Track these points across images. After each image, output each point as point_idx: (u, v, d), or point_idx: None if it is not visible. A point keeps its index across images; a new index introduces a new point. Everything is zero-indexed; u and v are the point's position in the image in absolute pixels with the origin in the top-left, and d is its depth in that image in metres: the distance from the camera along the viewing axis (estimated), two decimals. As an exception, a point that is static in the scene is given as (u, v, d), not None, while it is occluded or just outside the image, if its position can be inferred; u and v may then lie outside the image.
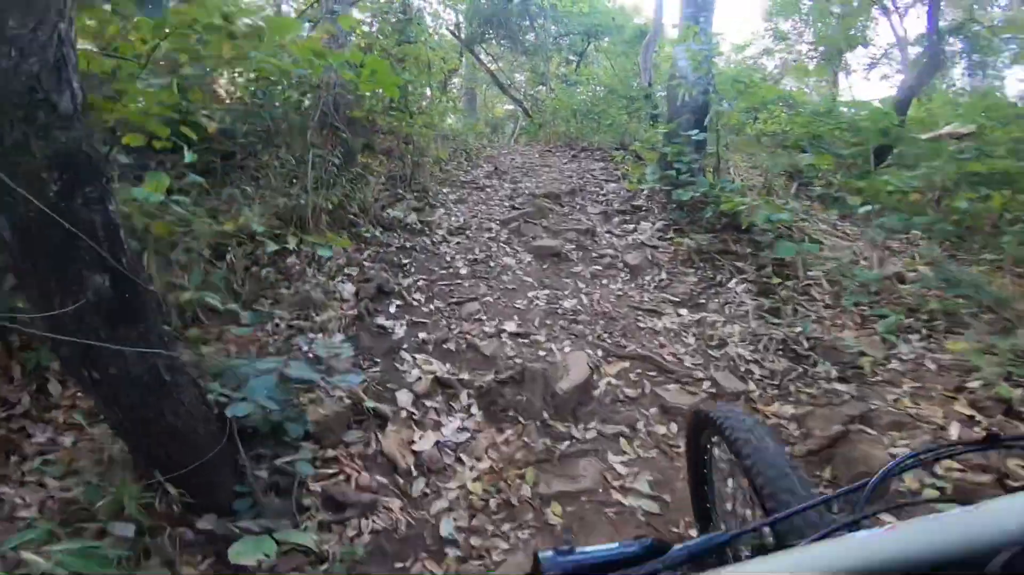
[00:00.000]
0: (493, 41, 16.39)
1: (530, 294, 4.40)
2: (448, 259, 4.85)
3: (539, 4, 14.23)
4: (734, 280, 4.69)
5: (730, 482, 1.47)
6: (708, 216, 5.01)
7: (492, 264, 4.78)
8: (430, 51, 8.41)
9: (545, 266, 4.79)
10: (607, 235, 5.38)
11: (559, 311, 4.19)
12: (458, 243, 5.13)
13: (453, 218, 5.69)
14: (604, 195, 6.50)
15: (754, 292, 4.52)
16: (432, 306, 4.21)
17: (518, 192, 6.66)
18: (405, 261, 4.76)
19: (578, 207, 6.13)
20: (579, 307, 4.25)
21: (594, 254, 5.03)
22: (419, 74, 6.59)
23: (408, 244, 4.96)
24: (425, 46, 8.31)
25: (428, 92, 9.94)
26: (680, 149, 5.49)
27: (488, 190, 6.83)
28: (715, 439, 1.50)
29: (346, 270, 4.58)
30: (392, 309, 4.10)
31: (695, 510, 1.69)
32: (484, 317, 4.13)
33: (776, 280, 4.48)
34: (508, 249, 5.04)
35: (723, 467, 1.52)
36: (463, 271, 4.68)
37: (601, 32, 15.77)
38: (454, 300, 4.27)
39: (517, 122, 17.97)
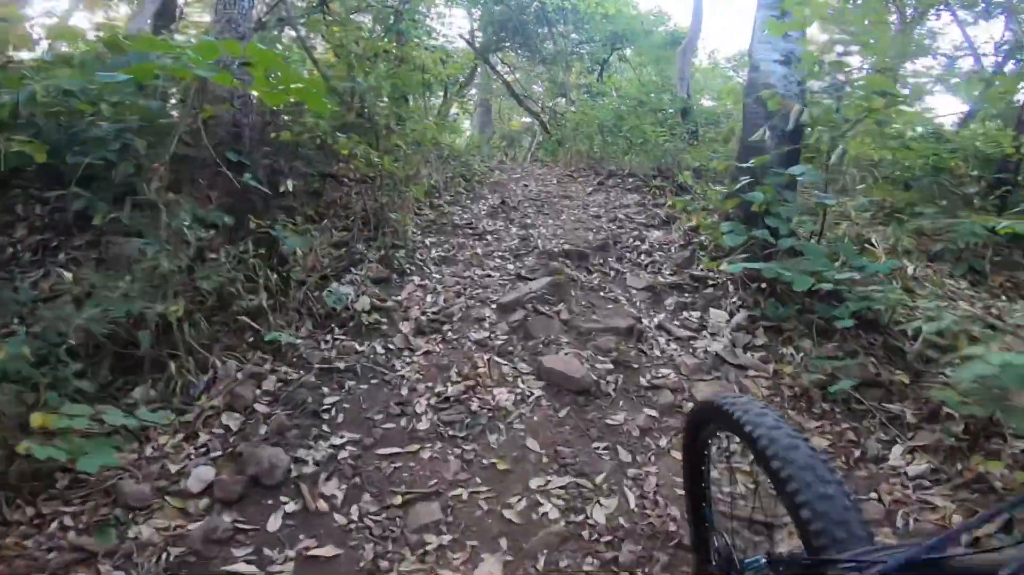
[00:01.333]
0: (509, 50, 14.21)
1: (534, 483, 2.23)
2: (405, 392, 2.70)
3: (560, 5, 11.97)
4: (898, 448, 2.48)
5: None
6: (841, 320, 2.75)
7: (475, 406, 2.60)
8: (425, 52, 6.25)
9: (563, 412, 2.60)
10: (661, 337, 3.16)
11: (585, 532, 2.02)
12: (426, 355, 2.96)
13: (429, 297, 3.52)
14: (647, 251, 4.28)
15: (944, 478, 2.30)
16: (354, 511, 2.08)
17: (529, 244, 4.46)
18: (330, 401, 2.62)
19: (613, 275, 3.92)
20: (622, 521, 2.07)
21: (643, 381, 2.82)
22: (397, 78, 4.45)
23: (343, 362, 2.81)
24: (420, 47, 6.16)
25: (429, 103, 7.83)
26: (771, 195, 3.26)
27: (488, 239, 4.65)
28: (722, 436, 1.24)
29: (223, 420, 2.48)
30: (274, 524, 1.98)
31: (690, 517, 1.42)
32: (446, 539, 1.99)
33: (986, 464, 2.26)
34: (506, 370, 2.85)
35: (725, 467, 1.36)
36: (424, 422, 2.52)
37: (627, 39, 13.41)
38: (397, 499, 2.13)
39: (534, 137, 15.78)
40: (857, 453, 2.53)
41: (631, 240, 4.45)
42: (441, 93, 10.34)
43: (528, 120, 15.65)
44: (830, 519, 0.81)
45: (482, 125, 15.96)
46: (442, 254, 4.17)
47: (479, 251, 4.24)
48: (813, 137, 3.25)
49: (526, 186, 7.05)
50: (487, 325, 3.19)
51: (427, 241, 4.32)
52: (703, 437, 1.30)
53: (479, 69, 14.15)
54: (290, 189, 3.70)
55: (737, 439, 1.07)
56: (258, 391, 2.62)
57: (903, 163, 5.09)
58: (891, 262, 2.93)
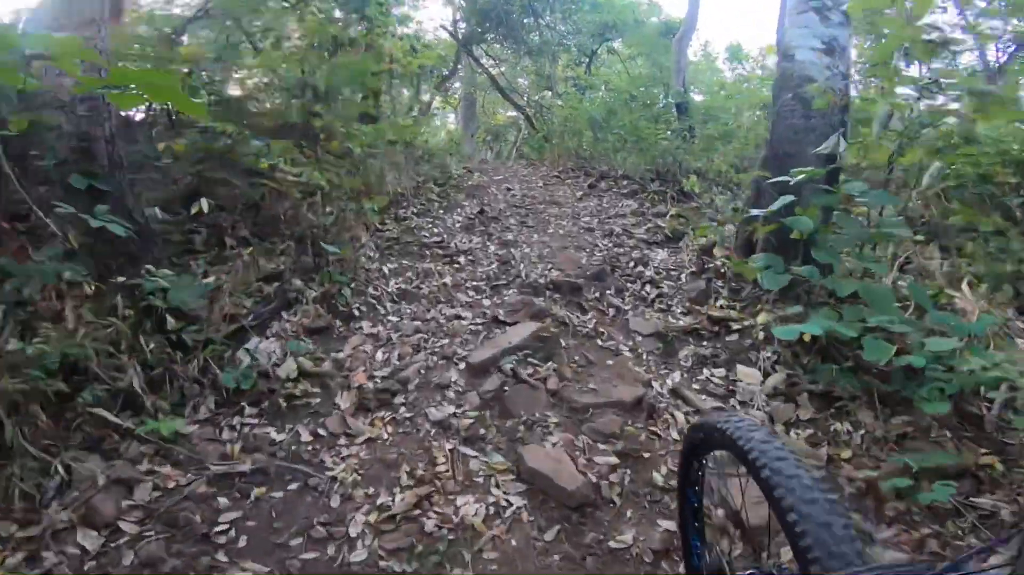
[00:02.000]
0: (494, 41, 13.41)
1: None
2: (335, 504, 1.93)
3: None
4: (996, 559, 1.77)
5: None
6: (929, 403, 2.02)
7: (432, 524, 1.85)
8: (394, 40, 5.45)
9: (551, 533, 1.85)
10: (679, 410, 2.41)
11: None
12: (369, 444, 2.19)
13: (380, 353, 2.75)
14: (653, 280, 3.53)
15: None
16: None
17: (510, 270, 3.71)
18: (228, 518, 1.86)
19: (612, 315, 3.18)
20: None
21: (658, 478, 2.07)
22: (347, 70, 3.67)
23: (250, 461, 2.05)
24: (387, 35, 5.36)
25: (401, 97, 6.95)
26: (813, 218, 2.52)
27: (461, 262, 3.88)
28: (720, 457, 1.26)
29: (78, 537, 1.74)
30: None
31: (680, 530, 1.42)
32: None
33: None
34: (474, 466, 2.10)
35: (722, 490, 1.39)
36: (360, 550, 1.75)
37: (616, 30, 12.63)
38: None
39: (519, 132, 14.97)
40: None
41: (632, 264, 3.70)
42: (420, 87, 9.49)
43: (514, 114, 14.86)
44: (829, 549, 0.79)
45: (466, 119, 15.17)
46: (403, 286, 3.39)
47: (448, 281, 3.47)
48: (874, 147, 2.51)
49: (509, 189, 6.29)
50: (452, 395, 2.43)
51: (385, 268, 3.54)
52: (700, 454, 1.30)
53: (462, 61, 13.34)
54: (205, 210, 2.92)
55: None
56: (125, 503, 1.85)
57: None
58: (987, 318, 2.22)
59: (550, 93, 12.62)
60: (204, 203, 2.86)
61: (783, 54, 3.04)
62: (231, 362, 2.37)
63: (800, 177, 2.42)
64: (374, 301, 3.15)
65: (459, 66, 13.61)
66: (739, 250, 3.29)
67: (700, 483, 1.34)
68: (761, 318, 2.57)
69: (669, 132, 6.77)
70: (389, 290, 3.29)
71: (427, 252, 3.95)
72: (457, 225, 4.62)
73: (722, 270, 3.29)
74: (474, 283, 3.49)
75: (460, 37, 12.47)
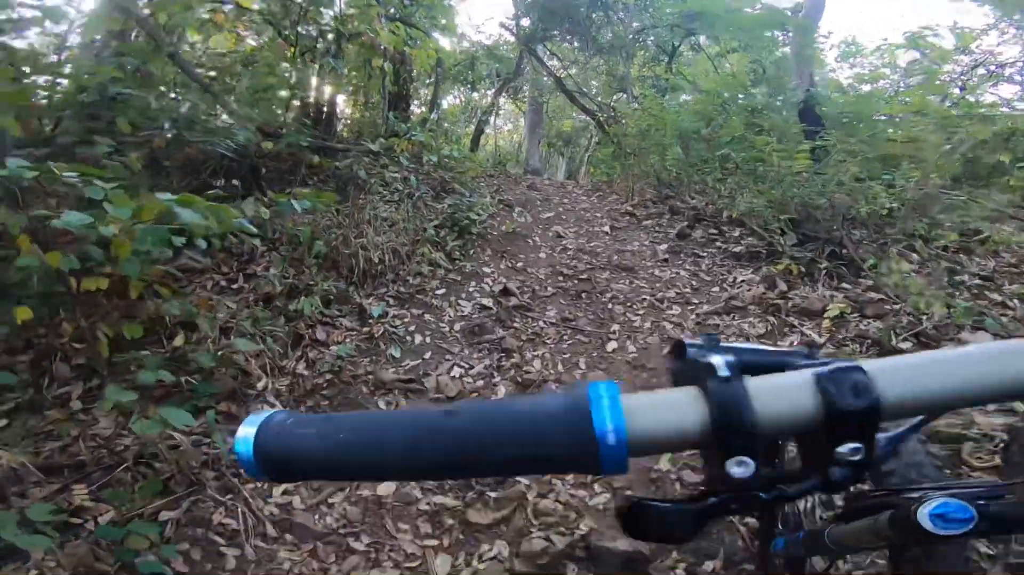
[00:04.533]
0: (559, 38, 11.62)
1: None
2: None
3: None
4: None
5: None
6: None
7: None
8: (380, 29, 3.62)
9: None
10: None
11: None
12: None
13: None
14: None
15: None
16: None
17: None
18: None
19: None
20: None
21: None
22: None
23: None
24: (371, 20, 3.56)
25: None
26: None
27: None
28: None
29: None
30: None
31: None
32: None
33: None
34: None
35: None
36: None
37: (704, 21, 10.26)
38: None
39: (591, 138, 12.95)
40: None
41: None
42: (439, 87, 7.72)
43: (585, 118, 12.88)
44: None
45: (532, 125, 13.47)
46: (296, 503, 1.53)
47: (387, 490, 1.55)
48: None
49: (559, 238, 4.32)
50: None
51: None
52: None
53: (526, 62, 11.58)
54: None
55: None
56: None
57: None
58: None
59: (624, 96, 10.52)
60: None
61: None
62: None
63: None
64: (224, 540, 1.31)
65: (524, 67, 11.91)
66: None
67: None
68: None
69: (800, 154, 4.53)
70: (265, 512, 1.44)
71: (378, 404, 2.06)
72: (457, 326, 2.70)
73: None
74: (438, 499, 1.56)
75: (522, 35, 10.77)
